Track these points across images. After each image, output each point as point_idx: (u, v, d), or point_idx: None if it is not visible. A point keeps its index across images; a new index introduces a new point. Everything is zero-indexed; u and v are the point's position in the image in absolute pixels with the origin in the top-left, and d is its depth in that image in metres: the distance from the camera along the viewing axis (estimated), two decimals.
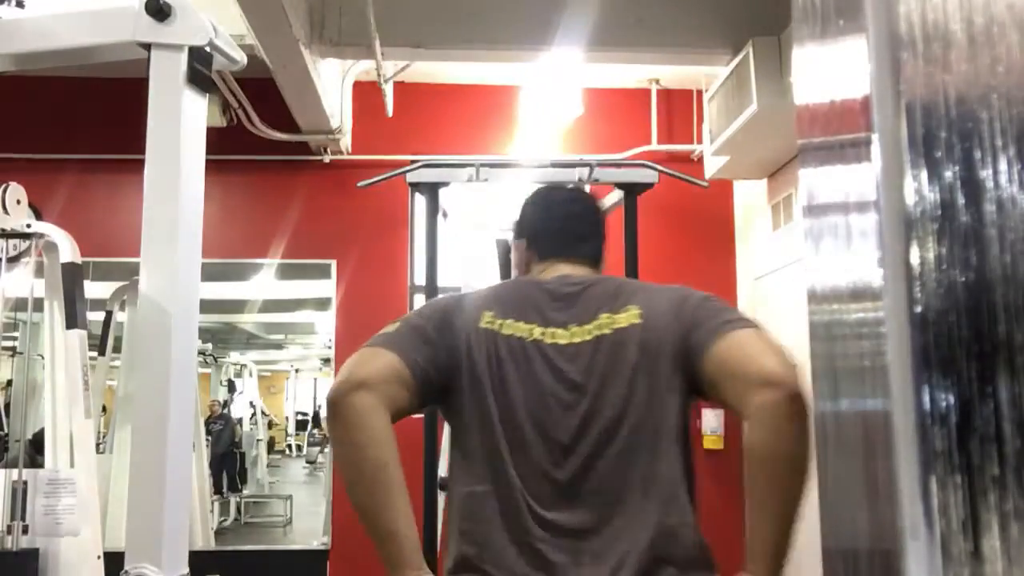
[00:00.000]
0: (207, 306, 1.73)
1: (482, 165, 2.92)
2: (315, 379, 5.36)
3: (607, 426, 1.31)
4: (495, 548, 1.28)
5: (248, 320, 5.10)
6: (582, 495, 1.30)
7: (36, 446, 2.95)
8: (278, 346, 5.62)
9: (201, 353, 4.74)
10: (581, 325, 1.37)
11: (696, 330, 1.32)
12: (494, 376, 1.35)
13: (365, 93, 4.47)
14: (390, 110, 4.29)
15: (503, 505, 1.30)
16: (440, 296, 1.57)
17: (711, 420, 4.44)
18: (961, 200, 0.46)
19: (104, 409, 4.38)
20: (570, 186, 1.91)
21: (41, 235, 2.69)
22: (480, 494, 1.32)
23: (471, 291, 1.52)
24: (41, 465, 2.70)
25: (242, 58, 1.65)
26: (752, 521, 1.33)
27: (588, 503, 1.29)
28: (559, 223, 1.57)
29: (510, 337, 1.36)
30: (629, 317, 1.36)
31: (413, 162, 3.25)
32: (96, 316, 4.30)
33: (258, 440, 5.29)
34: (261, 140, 4.36)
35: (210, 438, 4.87)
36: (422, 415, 2.80)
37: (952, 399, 0.45)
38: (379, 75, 3.89)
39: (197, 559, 1.52)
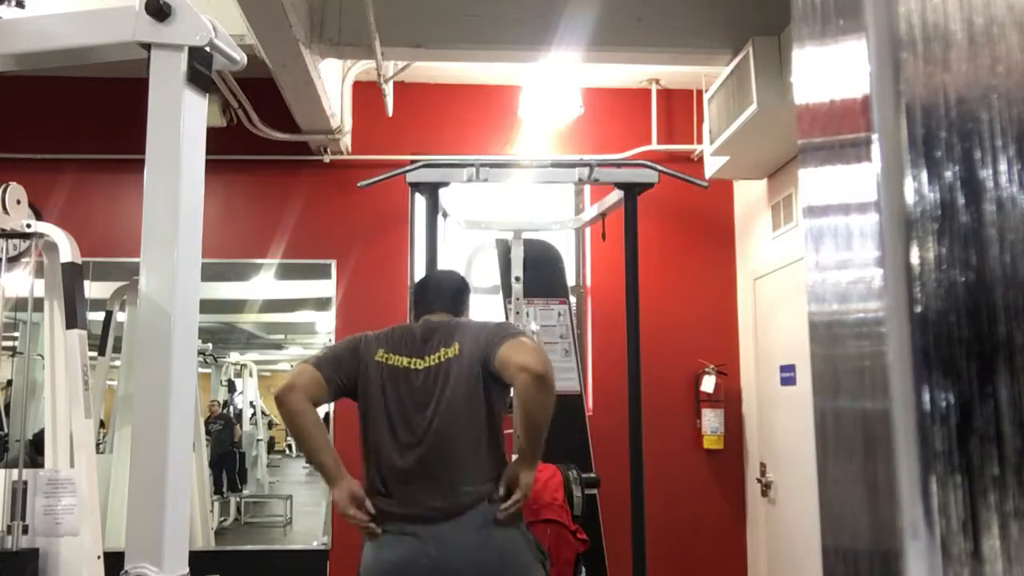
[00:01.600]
0: (207, 306, 1.74)
1: (482, 165, 2.92)
2: None
3: (441, 418, 2.22)
4: (375, 484, 2.25)
5: (248, 320, 5.10)
6: (424, 456, 2.21)
7: (36, 446, 2.95)
8: (278, 346, 5.61)
9: (201, 353, 4.74)
10: (427, 356, 2.29)
11: (489, 344, 2.23)
12: (380, 389, 2.27)
13: (365, 93, 4.47)
14: (390, 110, 4.29)
15: (379, 460, 2.26)
16: (350, 336, 2.41)
17: (711, 420, 4.44)
18: (961, 200, 0.46)
19: (103, 421, 4.38)
20: (442, 271, 2.74)
21: (41, 235, 2.69)
22: (371, 456, 2.28)
23: (372, 332, 2.38)
24: (41, 465, 2.70)
25: (242, 58, 1.65)
26: (522, 439, 2.28)
27: (427, 462, 2.21)
28: (425, 294, 2.49)
29: (393, 366, 2.29)
30: (453, 351, 2.27)
31: (413, 162, 3.25)
32: (96, 316, 4.30)
33: (258, 440, 5.29)
34: (261, 140, 4.36)
35: (210, 438, 4.87)
36: None
37: (952, 399, 0.45)
38: (379, 75, 3.89)
39: (197, 559, 1.52)
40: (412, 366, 2.28)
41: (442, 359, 2.28)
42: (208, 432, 4.89)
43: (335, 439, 4.40)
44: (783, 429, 4.06)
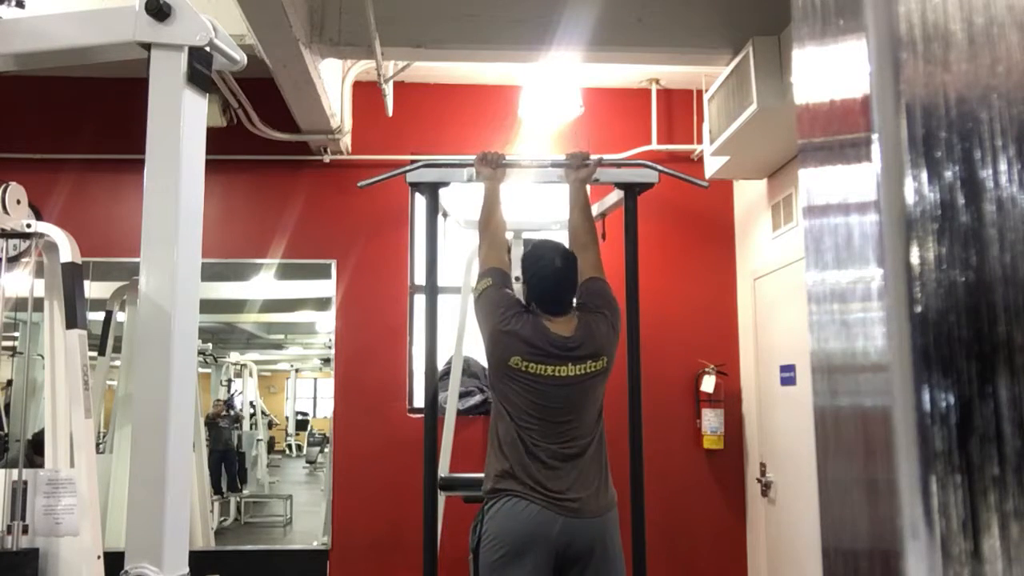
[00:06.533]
0: (207, 306, 1.74)
1: None
2: (315, 379, 5.37)
3: (583, 424, 2.48)
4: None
5: (248, 320, 5.10)
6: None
7: (35, 446, 2.96)
8: (278, 346, 5.61)
9: (201, 353, 4.74)
10: (575, 364, 2.46)
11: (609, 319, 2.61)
12: (520, 392, 2.47)
13: (365, 93, 4.47)
14: (390, 110, 4.29)
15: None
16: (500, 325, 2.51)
17: (711, 420, 4.44)
18: (961, 200, 0.46)
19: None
20: (553, 244, 2.67)
21: (41, 235, 2.69)
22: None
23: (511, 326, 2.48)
24: (40, 465, 2.70)
25: (242, 58, 1.66)
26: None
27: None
28: (553, 294, 2.53)
29: (535, 373, 2.46)
30: (602, 364, 2.50)
31: (413, 162, 3.25)
32: (96, 316, 4.30)
33: (258, 440, 5.29)
34: (261, 140, 4.36)
35: (216, 435, 4.89)
36: (422, 416, 2.80)
37: (952, 399, 0.45)
38: (379, 75, 3.89)
39: (197, 559, 1.52)
40: (555, 373, 2.46)
41: (590, 370, 2.47)
42: (216, 430, 4.92)
43: (335, 440, 4.40)
44: (783, 429, 4.06)
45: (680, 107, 4.70)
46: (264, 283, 4.65)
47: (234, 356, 5.21)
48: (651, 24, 3.64)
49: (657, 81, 4.62)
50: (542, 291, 2.54)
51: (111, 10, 1.56)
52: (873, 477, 0.48)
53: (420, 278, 4.41)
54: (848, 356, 0.51)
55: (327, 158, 4.49)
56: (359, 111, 4.53)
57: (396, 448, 4.29)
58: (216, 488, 4.82)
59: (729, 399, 4.50)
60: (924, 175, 0.46)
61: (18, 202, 2.68)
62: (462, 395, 3.91)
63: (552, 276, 2.52)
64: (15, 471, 2.58)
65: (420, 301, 4.30)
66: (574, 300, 2.60)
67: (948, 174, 0.46)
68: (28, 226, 2.67)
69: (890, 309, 0.46)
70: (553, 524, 2.36)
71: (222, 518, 4.84)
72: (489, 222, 2.70)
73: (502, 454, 2.46)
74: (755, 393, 4.40)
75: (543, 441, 2.44)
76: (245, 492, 5.10)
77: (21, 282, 2.79)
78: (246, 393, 5.30)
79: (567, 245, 2.75)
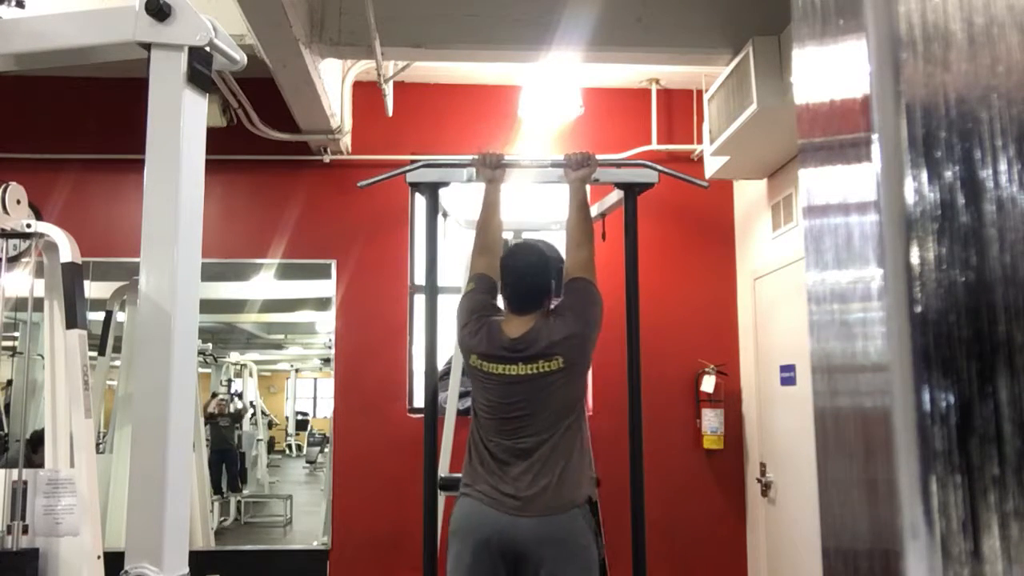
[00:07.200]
0: (207, 306, 1.74)
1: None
2: (315, 379, 5.37)
3: (537, 421, 2.48)
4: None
5: (248, 320, 5.10)
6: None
7: (33, 445, 2.96)
8: (278, 346, 5.61)
9: (201, 353, 4.74)
10: (526, 364, 2.49)
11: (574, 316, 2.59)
12: (480, 390, 2.57)
13: (365, 93, 4.47)
14: (390, 110, 4.29)
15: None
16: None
17: (711, 420, 4.44)
18: (961, 200, 0.46)
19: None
20: (529, 245, 2.77)
21: (41, 235, 2.69)
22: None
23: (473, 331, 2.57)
24: (37, 464, 2.70)
25: (242, 58, 1.65)
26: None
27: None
28: (521, 291, 2.59)
29: (488, 372, 2.53)
30: (556, 364, 2.48)
31: (413, 162, 3.25)
32: (96, 316, 4.30)
33: (258, 440, 5.29)
34: (261, 140, 4.36)
35: (216, 434, 4.89)
36: (422, 416, 2.80)
37: (952, 399, 0.44)
38: (379, 75, 3.89)
39: (197, 559, 1.52)
40: (508, 371, 2.50)
41: (543, 370, 2.49)
42: (216, 426, 4.92)
43: (335, 440, 4.40)
44: (783, 429, 4.06)
45: (680, 107, 4.69)
46: (264, 283, 4.65)
47: (234, 356, 5.21)
48: (651, 24, 3.64)
49: (657, 81, 4.61)
50: (512, 291, 2.61)
51: (111, 10, 1.56)
52: (873, 477, 0.48)
53: (420, 278, 4.41)
54: (848, 356, 0.51)
55: (327, 158, 4.49)
56: (359, 111, 4.53)
57: (396, 448, 4.29)
58: (216, 488, 4.82)
59: (729, 399, 4.50)
60: (924, 175, 0.46)
61: (18, 202, 2.68)
62: (462, 395, 3.90)
63: (521, 276, 2.59)
64: (15, 471, 2.58)
65: (420, 301, 4.30)
66: (551, 300, 2.65)
67: (948, 174, 0.46)
68: (28, 226, 2.67)
69: (890, 309, 0.46)
70: (496, 522, 2.38)
71: (222, 518, 4.84)
72: (487, 225, 2.71)
73: (468, 453, 2.55)
74: (755, 393, 4.40)
75: (497, 437, 2.49)
76: (245, 492, 5.10)
77: (21, 282, 2.78)
78: (246, 393, 5.30)
79: (565, 244, 2.75)
